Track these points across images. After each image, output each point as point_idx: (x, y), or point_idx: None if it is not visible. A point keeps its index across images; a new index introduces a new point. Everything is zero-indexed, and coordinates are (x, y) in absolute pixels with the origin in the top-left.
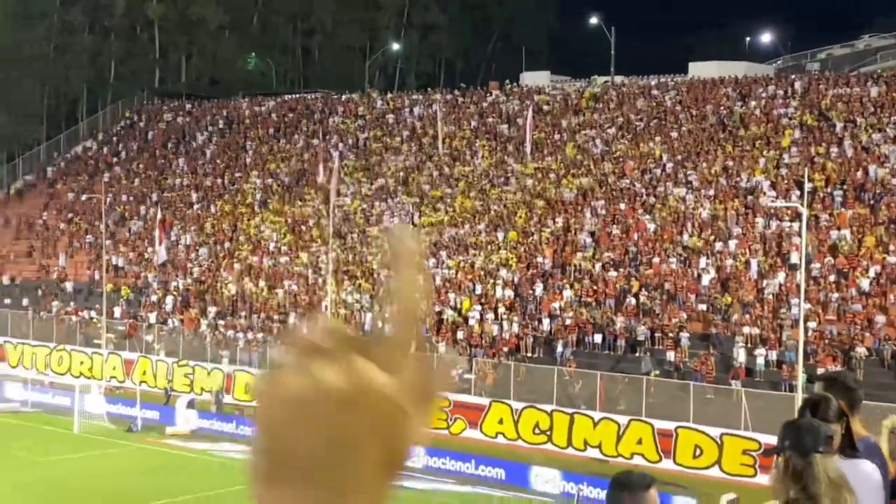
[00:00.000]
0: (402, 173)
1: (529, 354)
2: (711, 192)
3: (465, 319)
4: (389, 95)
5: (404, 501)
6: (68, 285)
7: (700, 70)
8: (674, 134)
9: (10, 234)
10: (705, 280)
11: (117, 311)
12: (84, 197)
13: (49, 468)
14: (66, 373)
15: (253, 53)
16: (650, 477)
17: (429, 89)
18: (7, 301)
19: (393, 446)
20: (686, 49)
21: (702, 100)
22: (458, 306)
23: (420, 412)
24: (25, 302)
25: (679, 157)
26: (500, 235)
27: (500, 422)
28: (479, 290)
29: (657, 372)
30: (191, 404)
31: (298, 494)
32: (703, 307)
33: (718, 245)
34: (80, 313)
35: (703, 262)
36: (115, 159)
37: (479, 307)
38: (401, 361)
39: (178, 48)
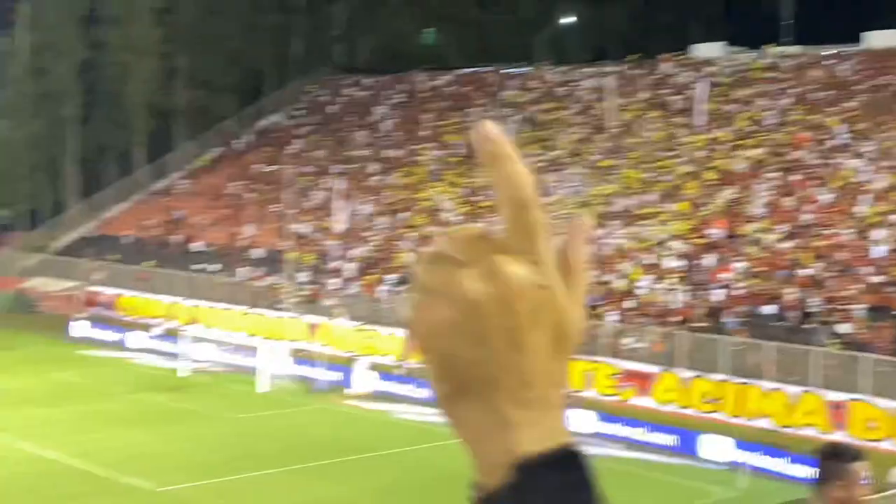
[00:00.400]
0: (573, 145)
1: (699, 324)
2: (887, 164)
3: (635, 289)
4: (561, 68)
5: None
6: (255, 252)
7: (878, 39)
8: (849, 104)
9: (201, 203)
10: (881, 252)
11: (301, 277)
12: (270, 168)
13: (238, 425)
14: (254, 335)
15: (431, 29)
16: (858, 450)
17: (600, 61)
18: (199, 266)
19: (557, 329)
20: (863, 18)
21: (879, 70)
22: (628, 276)
23: (570, 286)
24: (215, 267)
25: (855, 128)
26: (671, 206)
27: (670, 390)
28: (648, 261)
29: (830, 343)
30: (371, 367)
31: (483, 404)
32: (878, 279)
33: (894, 217)
34: (265, 278)
35: (878, 233)
36: (299, 132)
37: (648, 277)
38: (532, 247)
39: (359, 25)
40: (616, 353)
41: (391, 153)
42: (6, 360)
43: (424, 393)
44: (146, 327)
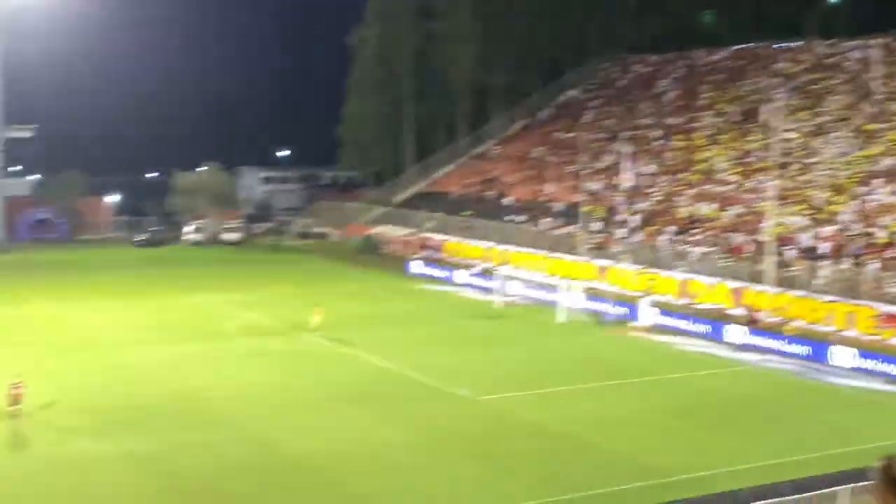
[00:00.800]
0: (840, 111)
1: None
2: None
3: None
4: (830, 41)
5: (835, 396)
6: (555, 206)
7: None
8: None
9: (511, 165)
10: None
11: (593, 227)
12: (567, 135)
13: (542, 349)
14: (554, 275)
15: (710, 10)
16: None
17: (866, 34)
18: (508, 217)
19: None
20: None
21: None
22: (890, 228)
23: None
24: (522, 218)
25: None
26: None
27: None
28: None
29: None
30: (652, 304)
31: None
32: None
33: None
34: (563, 228)
35: None
36: (592, 104)
37: None
38: None
39: (646, 8)
40: (877, 297)
41: (672, 121)
42: (358, 291)
43: (699, 328)
44: (467, 267)
